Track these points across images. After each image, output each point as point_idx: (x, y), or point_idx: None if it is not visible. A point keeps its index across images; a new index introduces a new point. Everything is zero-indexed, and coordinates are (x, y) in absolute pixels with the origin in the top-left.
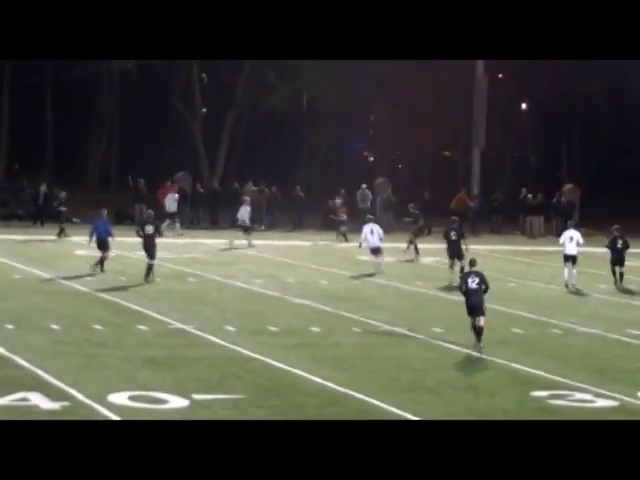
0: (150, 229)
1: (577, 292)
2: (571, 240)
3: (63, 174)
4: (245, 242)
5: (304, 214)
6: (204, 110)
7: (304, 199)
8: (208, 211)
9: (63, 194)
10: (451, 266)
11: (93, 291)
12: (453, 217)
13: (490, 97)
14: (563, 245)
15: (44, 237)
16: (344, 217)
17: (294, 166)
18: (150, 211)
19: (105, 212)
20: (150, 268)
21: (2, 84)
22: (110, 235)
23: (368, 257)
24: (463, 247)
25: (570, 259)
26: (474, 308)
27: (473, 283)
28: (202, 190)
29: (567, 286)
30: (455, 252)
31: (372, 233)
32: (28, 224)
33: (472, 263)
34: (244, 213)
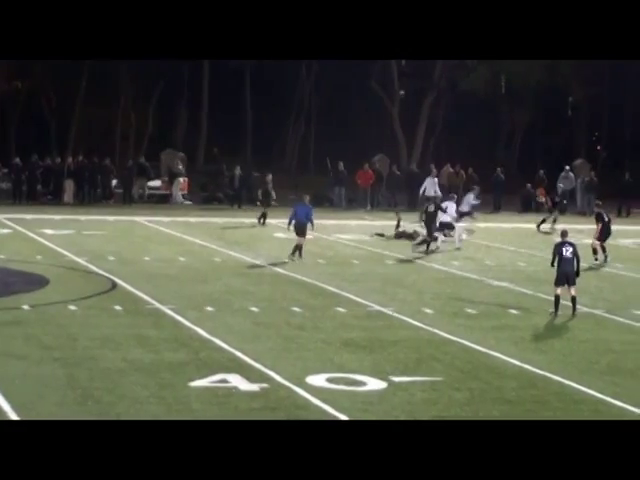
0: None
1: None
2: None
3: (262, 158)
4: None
5: (504, 196)
6: (402, 92)
7: (504, 181)
8: (405, 194)
9: (269, 177)
10: None
11: (291, 273)
12: None
13: None
14: None
15: (243, 220)
16: (543, 199)
17: (491, 149)
18: None
19: (307, 198)
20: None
21: (202, 68)
22: (310, 221)
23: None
24: None
25: None
26: (567, 277)
27: (567, 252)
28: (399, 173)
29: None
30: None
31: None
32: (226, 207)
33: (564, 234)
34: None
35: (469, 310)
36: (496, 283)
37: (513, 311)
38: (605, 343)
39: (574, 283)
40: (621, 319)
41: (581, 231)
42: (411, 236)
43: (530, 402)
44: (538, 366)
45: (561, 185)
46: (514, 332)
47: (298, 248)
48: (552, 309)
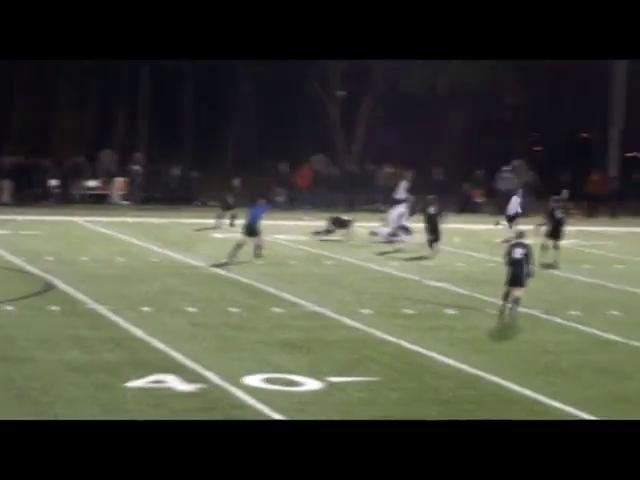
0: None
1: None
2: None
3: (202, 158)
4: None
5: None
6: (342, 93)
7: (443, 181)
8: (345, 193)
9: (237, 180)
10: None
11: (229, 274)
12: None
13: (629, 77)
14: None
15: (181, 220)
16: (480, 200)
17: (431, 149)
18: None
19: (263, 202)
20: None
21: (141, 68)
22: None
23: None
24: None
25: None
26: (515, 278)
27: (517, 254)
28: (338, 172)
29: None
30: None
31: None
32: (165, 207)
33: (519, 235)
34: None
35: (407, 310)
36: (434, 283)
37: (451, 311)
38: (542, 343)
39: (521, 285)
40: (558, 320)
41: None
42: (346, 223)
43: (466, 402)
44: (475, 366)
45: (500, 185)
46: (451, 332)
47: (238, 246)
48: (499, 309)
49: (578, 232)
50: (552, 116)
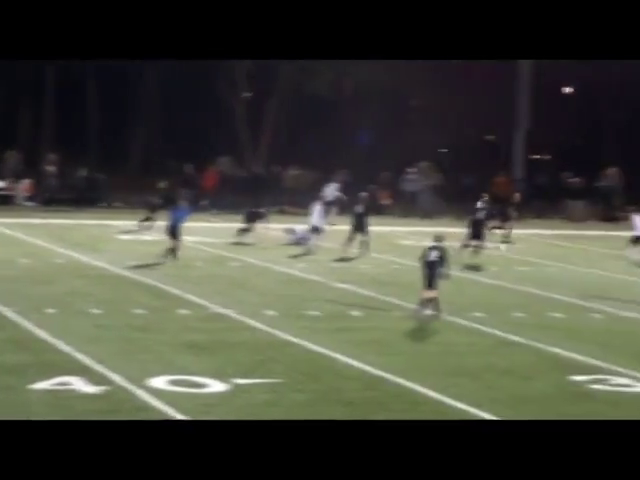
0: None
1: (622, 275)
2: None
3: (107, 159)
4: None
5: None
6: (247, 94)
7: (350, 183)
8: (250, 196)
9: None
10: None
11: (134, 275)
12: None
13: (534, 80)
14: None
15: (86, 222)
16: (387, 201)
17: (337, 151)
18: None
19: (185, 204)
20: None
21: (46, 69)
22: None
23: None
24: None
25: None
26: (429, 280)
27: (431, 256)
28: (245, 174)
29: None
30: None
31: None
32: (70, 209)
33: (437, 238)
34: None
35: (312, 312)
36: (340, 285)
37: (356, 313)
38: (446, 345)
39: (433, 287)
40: (463, 321)
41: (426, 233)
42: (262, 215)
43: (371, 404)
44: (380, 368)
45: (406, 186)
46: (357, 334)
47: (172, 251)
48: (414, 310)
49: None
50: (457, 118)
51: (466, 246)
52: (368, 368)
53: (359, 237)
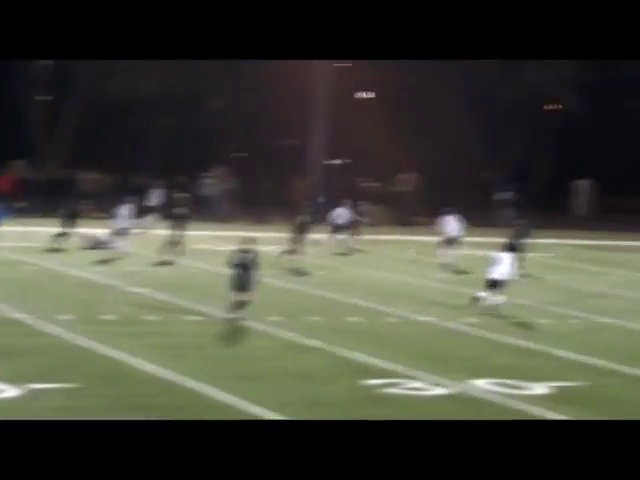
0: None
1: (417, 279)
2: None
3: None
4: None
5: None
6: (42, 98)
7: (147, 185)
8: (46, 198)
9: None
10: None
11: None
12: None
13: (331, 86)
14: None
15: None
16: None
17: (135, 153)
18: None
19: (2, 206)
20: None
21: None
22: None
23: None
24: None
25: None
26: (236, 284)
27: (239, 259)
28: (40, 177)
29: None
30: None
31: None
32: None
33: (246, 241)
34: None
35: (108, 317)
36: (137, 289)
37: (152, 317)
38: (243, 349)
39: (244, 289)
40: (260, 325)
41: (223, 238)
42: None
43: (167, 408)
44: (176, 372)
45: (204, 191)
46: (153, 338)
47: None
48: (224, 314)
49: (275, 238)
50: (255, 122)
51: (290, 252)
52: (164, 372)
53: (176, 240)
